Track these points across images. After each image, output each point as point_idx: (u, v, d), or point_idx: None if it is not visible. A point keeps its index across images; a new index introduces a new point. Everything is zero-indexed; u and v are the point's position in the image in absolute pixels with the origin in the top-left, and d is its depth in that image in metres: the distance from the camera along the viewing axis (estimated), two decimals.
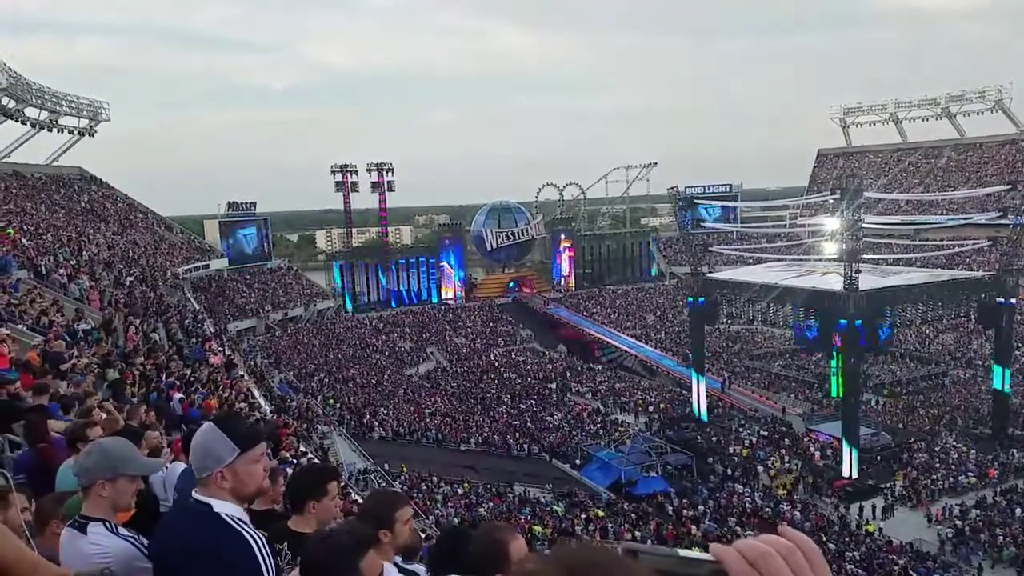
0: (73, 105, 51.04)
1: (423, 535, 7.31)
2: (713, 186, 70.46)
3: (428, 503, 26.02)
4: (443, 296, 63.46)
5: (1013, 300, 34.91)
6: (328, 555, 2.24)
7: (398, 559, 3.00)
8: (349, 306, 60.44)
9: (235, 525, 2.22)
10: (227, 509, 2.25)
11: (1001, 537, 25.78)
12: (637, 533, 26.26)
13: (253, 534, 2.24)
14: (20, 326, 13.11)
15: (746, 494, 30.45)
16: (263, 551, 2.22)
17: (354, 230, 68.24)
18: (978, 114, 66.14)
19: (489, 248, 65.51)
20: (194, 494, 2.32)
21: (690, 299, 41.89)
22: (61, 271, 24.22)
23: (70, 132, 51.34)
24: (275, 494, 4.04)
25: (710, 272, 44.80)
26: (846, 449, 31.37)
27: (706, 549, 0.88)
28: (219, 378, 18.03)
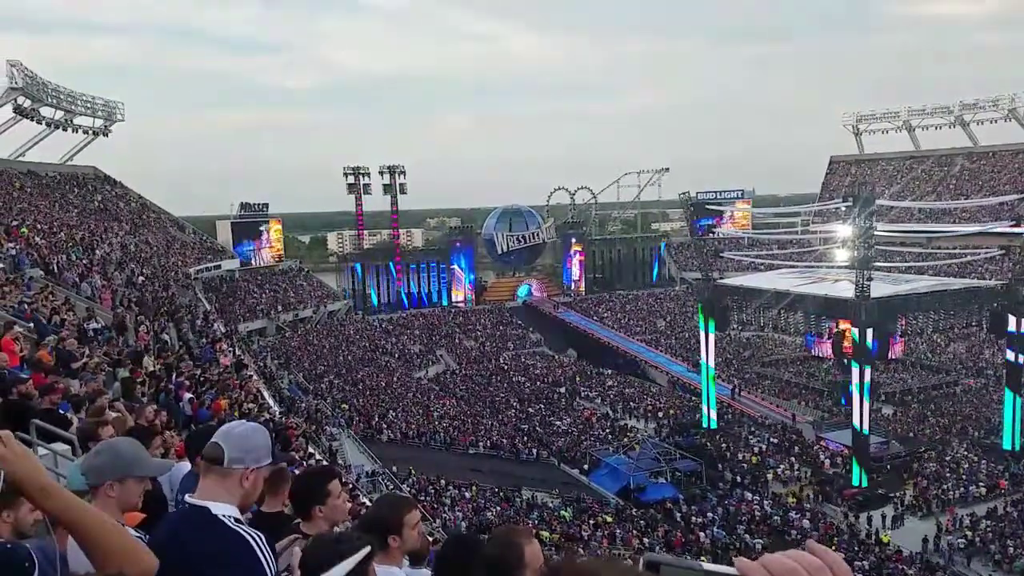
0: (88, 105, 51.46)
1: (431, 539, 7.29)
2: (724, 192, 70.27)
3: (436, 506, 26.01)
4: (453, 299, 63.56)
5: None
6: (339, 561, 2.24)
7: (406, 564, 2.99)
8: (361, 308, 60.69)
9: (233, 526, 2.24)
10: (224, 510, 2.26)
11: (1012, 548, 25.56)
12: (645, 540, 26.17)
13: (252, 533, 2.25)
14: (32, 324, 13.18)
15: (755, 501, 30.31)
16: (263, 549, 2.23)
17: (365, 232, 68.45)
18: (992, 122, 65.78)
19: (500, 252, 65.58)
20: (188, 498, 2.33)
21: (700, 305, 41.77)
22: (73, 270, 24.40)
23: (84, 132, 51.77)
24: (284, 495, 4.04)
25: (721, 278, 44.68)
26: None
27: (715, 557, 0.86)
28: (229, 379, 18.07)
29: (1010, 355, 34.36)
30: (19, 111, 45.45)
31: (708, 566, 0.83)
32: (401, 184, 64.31)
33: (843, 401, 39.74)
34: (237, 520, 2.28)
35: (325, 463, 16.28)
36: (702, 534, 27.20)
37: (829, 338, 39.50)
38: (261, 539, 2.26)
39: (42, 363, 8.93)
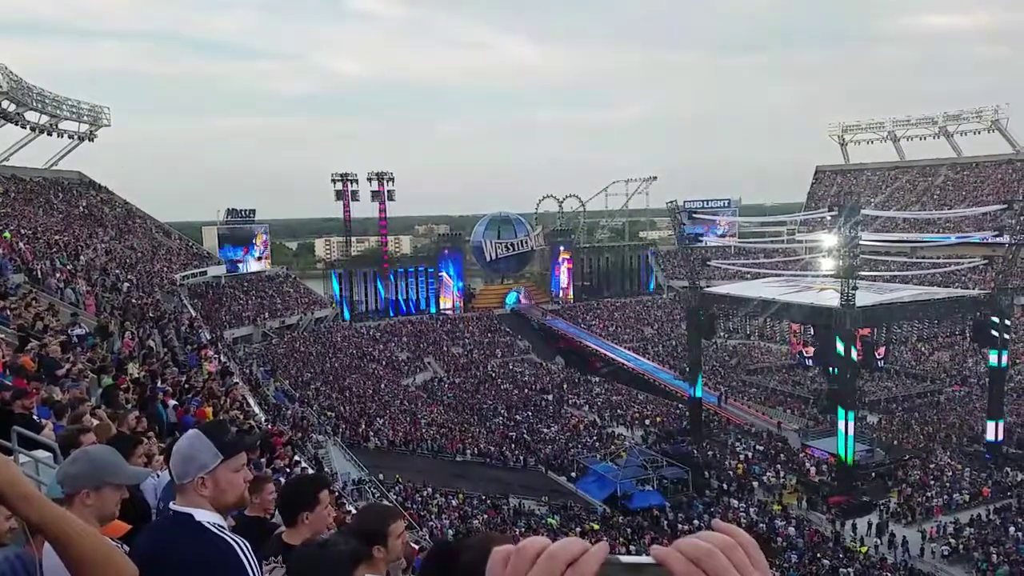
0: (74, 110, 51.13)
1: (416, 547, 7.26)
2: (712, 200, 70.68)
3: (423, 514, 25.92)
4: (441, 306, 63.44)
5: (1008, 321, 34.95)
6: (324, 566, 2.24)
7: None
8: (347, 315, 60.47)
9: (218, 532, 2.23)
10: (208, 517, 2.26)
11: (995, 556, 25.74)
12: (632, 547, 26.18)
13: (237, 540, 2.25)
14: (12, 330, 13.06)
15: (741, 509, 30.41)
16: (248, 555, 2.22)
17: (353, 239, 68.28)
18: (975, 133, 66.58)
19: (488, 259, 65.58)
20: (172, 505, 2.32)
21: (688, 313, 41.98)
22: (57, 275, 24.22)
23: (70, 136, 51.39)
24: (264, 502, 4.04)
25: (708, 286, 44.89)
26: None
27: None
28: (214, 386, 17.97)
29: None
30: (3, 115, 45.11)
31: (626, 559, 0.84)
32: (389, 191, 64.23)
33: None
34: (221, 527, 2.28)
35: (311, 471, 16.19)
36: None
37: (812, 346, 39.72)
38: (246, 546, 2.25)
39: (24, 369, 8.86)
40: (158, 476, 4.44)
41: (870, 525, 28.84)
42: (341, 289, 61.55)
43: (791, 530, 28.33)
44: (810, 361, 48.83)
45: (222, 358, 28.15)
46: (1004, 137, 64.66)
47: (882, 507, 30.24)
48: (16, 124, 46.57)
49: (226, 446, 2.36)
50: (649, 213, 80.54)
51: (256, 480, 4.31)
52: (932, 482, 32.10)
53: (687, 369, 43.69)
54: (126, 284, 31.06)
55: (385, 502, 21.98)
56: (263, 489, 4.01)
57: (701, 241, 65.79)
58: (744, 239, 66.75)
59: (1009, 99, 64.71)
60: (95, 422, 5.96)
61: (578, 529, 27.37)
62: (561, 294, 66.92)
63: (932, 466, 33.90)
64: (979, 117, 65.45)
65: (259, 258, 60.60)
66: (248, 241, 59.67)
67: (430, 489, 29.72)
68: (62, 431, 5.55)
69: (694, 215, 65.91)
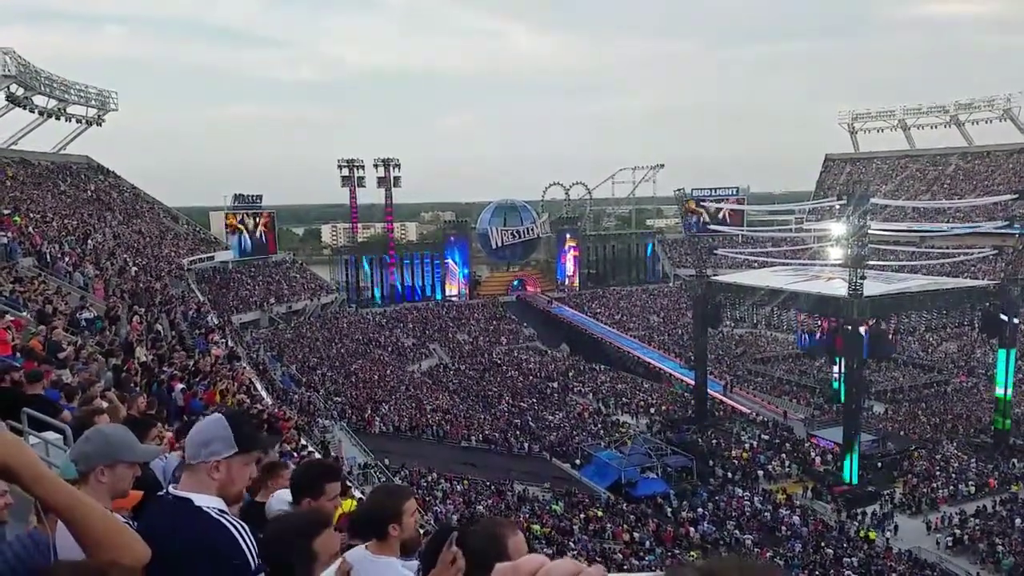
0: (82, 94, 51.07)
1: (421, 531, 7.28)
2: (719, 189, 70.38)
3: (428, 499, 26.03)
4: (447, 293, 63.49)
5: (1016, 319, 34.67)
6: (280, 534, 2.27)
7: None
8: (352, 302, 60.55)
9: (217, 516, 2.24)
10: (208, 502, 2.26)
11: (1000, 547, 25.73)
12: (635, 534, 26.29)
13: (235, 523, 2.26)
14: (24, 313, 13.13)
15: (745, 498, 30.45)
16: (246, 539, 2.23)
17: (359, 225, 68.27)
18: (987, 122, 66.05)
19: (494, 246, 65.54)
20: (171, 489, 2.33)
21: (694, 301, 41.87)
22: (66, 259, 24.31)
23: (78, 121, 51.35)
24: (275, 486, 4.06)
25: (715, 275, 44.77)
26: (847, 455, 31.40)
27: (704, 552, 0.86)
28: (222, 370, 18.02)
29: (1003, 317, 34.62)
30: (12, 99, 45.06)
31: None
32: (395, 177, 64.13)
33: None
34: (221, 511, 2.28)
35: (319, 456, 16.26)
36: (692, 529, 27.34)
37: (823, 336, 39.52)
38: (245, 529, 2.26)
39: (34, 352, 8.90)
40: (165, 458, 4.48)
41: (875, 515, 28.87)
42: (347, 275, 61.62)
43: (795, 519, 28.36)
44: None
45: (229, 342, 28.23)
46: (1016, 126, 64.13)
47: (887, 497, 30.23)
48: (24, 108, 46.52)
49: (243, 440, 2.37)
50: (656, 201, 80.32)
51: (273, 465, 4.35)
52: (938, 473, 32.07)
53: (692, 358, 43.66)
54: (134, 268, 31.15)
55: None
56: (280, 475, 4.04)
57: (708, 230, 65.55)
58: (752, 227, 66.46)
59: (1022, 87, 63.91)
60: (105, 404, 6.00)
61: (582, 515, 27.47)
62: (567, 282, 66.88)
63: (938, 457, 33.86)
64: (991, 106, 64.93)
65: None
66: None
67: (435, 475, 29.84)
68: (77, 412, 5.59)
69: (701, 204, 65.83)
